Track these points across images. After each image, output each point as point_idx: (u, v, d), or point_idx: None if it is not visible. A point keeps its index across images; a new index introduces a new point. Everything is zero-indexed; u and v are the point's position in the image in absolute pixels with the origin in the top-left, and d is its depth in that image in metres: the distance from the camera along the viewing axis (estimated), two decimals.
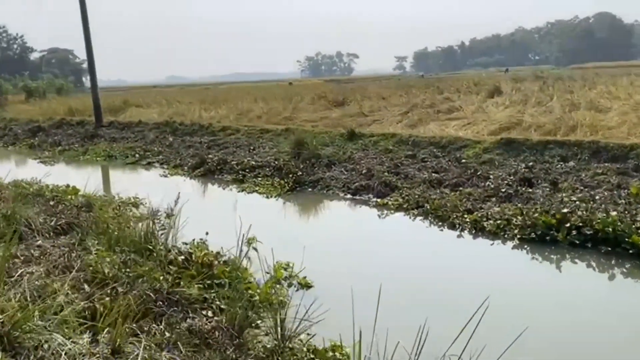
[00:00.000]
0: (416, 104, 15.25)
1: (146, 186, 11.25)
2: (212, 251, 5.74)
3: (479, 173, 8.98)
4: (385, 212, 8.55)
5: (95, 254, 5.17)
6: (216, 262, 5.39)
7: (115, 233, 6.14)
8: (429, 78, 56.78)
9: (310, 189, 10.29)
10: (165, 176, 12.66)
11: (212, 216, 8.64)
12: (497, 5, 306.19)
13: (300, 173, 10.62)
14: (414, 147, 10.90)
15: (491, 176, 8.81)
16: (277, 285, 5.62)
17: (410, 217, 8.20)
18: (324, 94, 21.23)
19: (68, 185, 10.22)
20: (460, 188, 8.67)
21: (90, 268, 5.08)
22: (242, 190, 10.61)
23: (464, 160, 9.57)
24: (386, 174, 9.64)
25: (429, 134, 11.31)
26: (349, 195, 9.59)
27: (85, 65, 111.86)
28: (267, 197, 9.95)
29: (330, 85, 45.70)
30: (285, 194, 10.09)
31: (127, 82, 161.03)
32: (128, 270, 4.90)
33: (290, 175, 10.59)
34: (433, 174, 9.40)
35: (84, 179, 13.01)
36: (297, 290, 5.65)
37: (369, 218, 8.43)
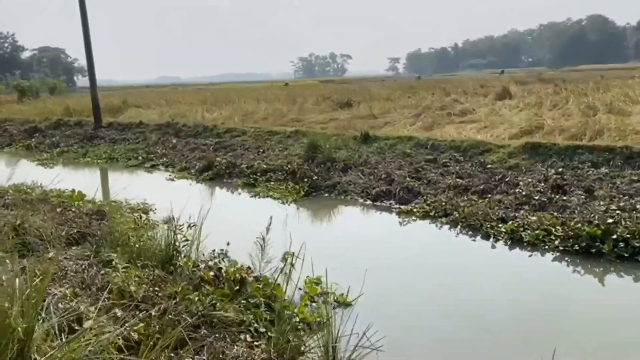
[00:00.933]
0: (428, 106, 14.89)
1: (153, 190, 10.84)
2: (243, 266, 5.29)
3: (507, 179, 8.61)
4: (410, 219, 8.16)
5: (123, 270, 4.70)
6: (250, 279, 4.96)
7: (137, 245, 5.70)
8: (426, 79, 56.57)
9: (326, 194, 9.89)
10: (172, 180, 12.19)
11: (228, 223, 8.20)
12: (490, 7, 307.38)
13: (316, 177, 10.21)
14: (433, 150, 10.52)
15: (520, 182, 8.45)
16: (313, 304, 5.22)
17: (437, 226, 7.81)
18: (328, 95, 20.83)
19: (73, 190, 9.74)
20: (489, 195, 8.29)
21: (116, 286, 4.65)
22: (255, 195, 10.18)
23: (489, 166, 9.20)
24: (408, 179, 9.25)
25: (447, 138, 10.93)
26: (368, 202, 9.19)
27: (76, 65, 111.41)
28: (283, 203, 9.52)
29: (326, 85, 45.34)
30: (301, 199, 9.69)
31: (117, 81, 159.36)
32: (157, 289, 4.47)
33: (306, 180, 10.18)
34: (457, 180, 9.03)
35: (86, 182, 12.61)
36: (335, 308, 5.24)
37: (393, 226, 8.02)
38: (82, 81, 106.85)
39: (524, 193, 7.96)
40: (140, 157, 14.58)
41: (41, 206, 7.99)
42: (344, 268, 5.69)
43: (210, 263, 5.42)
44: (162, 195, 10.17)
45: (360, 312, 4.80)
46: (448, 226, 7.69)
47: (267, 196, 10.03)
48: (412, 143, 10.99)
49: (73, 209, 8.26)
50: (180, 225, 6.21)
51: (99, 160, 15.05)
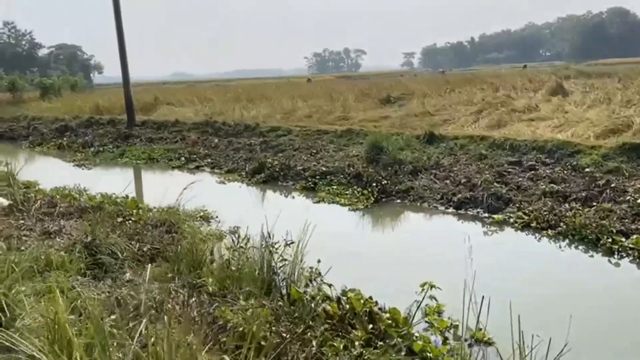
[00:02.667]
0: (488, 103, 13.96)
1: (206, 195, 10.05)
2: (370, 298, 4.46)
3: (612, 185, 7.71)
4: (506, 231, 7.32)
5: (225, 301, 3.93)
6: (383, 315, 4.15)
7: (232, 268, 4.92)
8: (450, 74, 55.23)
9: (398, 200, 9.05)
10: (223, 182, 11.43)
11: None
12: (507, 1, 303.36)
13: (385, 181, 9.39)
14: (513, 151, 9.63)
15: (629, 189, 7.54)
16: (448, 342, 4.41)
17: (538, 238, 6.95)
18: (366, 91, 19.97)
19: (127, 196, 9.01)
20: (594, 203, 7.41)
21: (226, 322, 3.89)
22: (320, 201, 9.37)
23: (587, 169, 8.29)
24: (495, 184, 8.39)
25: (523, 137, 10.03)
26: (450, 209, 8.33)
27: (92, 62, 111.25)
28: (354, 210, 8.71)
29: (347, 81, 44.36)
30: (371, 205, 8.88)
31: (132, 78, 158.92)
32: (283, 330, 3.69)
33: (374, 184, 9.35)
34: (551, 185, 8.15)
35: (131, 185, 11.91)
36: (471, 346, 4.42)
37: (491, 239, 7.16)
38: (98, 78, 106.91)
39: (639, 202, 7.07)
40: (182, 158, 13.85)
41: (99, 215, 7.26)
42: (452, 290, 4.86)
43: (328, 292, 4.60)
44: (218, 200, 9.46)
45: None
46: (555, 239, 6.84)
47: (333, 202, 9.22)
48: (486, 143, 10.12)
49: (132, 218, 7.54)
50: (276, 243, 5.43)
51: (137, 161, 14.36)
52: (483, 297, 3.17)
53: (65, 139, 18.19)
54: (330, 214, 8.68)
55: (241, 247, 5.36)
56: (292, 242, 5.26)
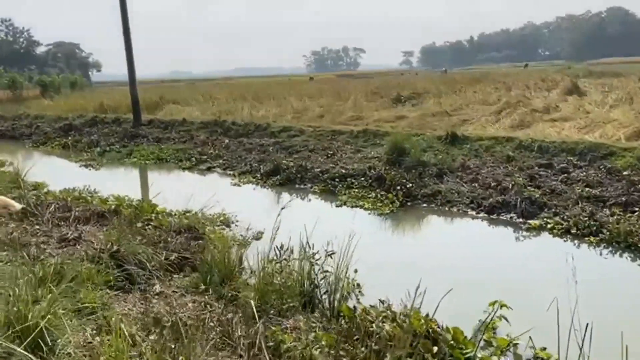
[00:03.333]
0: (508, 102, 13.63)
1: (222, 197, 9.64)
2: (429, 315, 4.12)
3: None
4: (545, 238, 6.99)
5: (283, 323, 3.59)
6: (446, 336, 3.81)
7: (276, 282, 4.57)
8: (453, 73, 54.95)
9: (424, 205, 8.70)
10: (237, 185, 11.07)
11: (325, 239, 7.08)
12: (505, 0, 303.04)
13: (410, 185, 9.05)
14: (541, 153, 9.31)
15: None
16: None
17: (577, 245, 6.63)
18: (375, 90, 19.64)
19: (142, 199, 8.64)
20: (636, 209, 7.09)
21: (278, 343, 3.55)
22: (342, 205, 9.02)
23: (625, 173, 7.98)
24: (528, 188, 8.06)
25: (551, 138, 9.72)
26: (482, 214, 7.99)
27: (91, 59, 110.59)
28: (379, 215, 8.37)
29: (349, 80, 44.05)
30: (397, 210, 8.54)
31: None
32: (343, 354, 3.34)
33: (399, 187, 9.01)
34: (586, 189, 7.83)
35: (141, 186, 11.54)
36: None
37: (531, 247, 6.84)
38: (96, 76, 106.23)
39: None
40: (193, 158, 13.49)
41: (119, 221, 6.90)
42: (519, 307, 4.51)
43: (383, 311, 4.24)
44: (235, 203, 9.08)
45: None
46: (596, 246, 6.52)
47: (356, 206, 8.87)
48: (512, 145, 9.79)
49: (152, 223, 7.18)
50: (315, 253, 5.07)
51: (146, 161, 13.97)
52: (587, 324, 2.81)
53: (69, 138, 17.77)
54: (356, 219, 8.33)
55: (284, 259, 4.98)
56: (333, 253, 4.90)
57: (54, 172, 12.92)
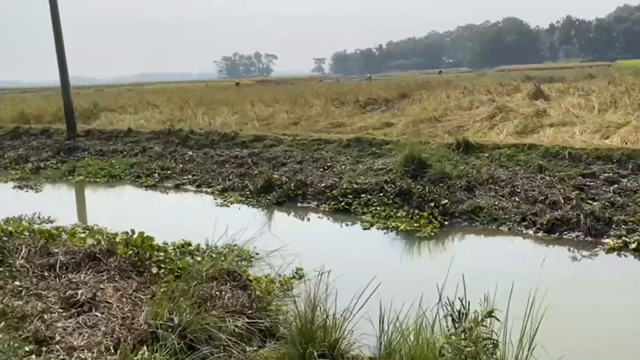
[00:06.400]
0: (498, 108, 13.01)
1: (210, 221, 7.59)
2: None
3: None
4: (631, 261, 6.19)
5: None
6: None
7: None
8: (374, 79, 55.15)
9: (465, 223, 7.63)
10: (225, 205, 9.42)
11: (369, 275, 5.81)
12: (412, 10, 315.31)
13: (445, 201, 7.98)
14: (574, 162, 8.62)
15: None
16: None
17: None
18: (335, 96, 18.55)
19: (132, 232, 6.77)
20: None
21: None
22: (370, 226, 7.76)
23: None
24: (588, 202, 7.26)
25: (580, 145, 9.10)
26: (540, 233, 7.06)
27: None
28: (419, 237, 7.20)
29: (270, 86, 42.83)
30: (438, 230, 7.44)
31: (21, 82, 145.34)
32: None
33: (432, 204, 7.91)
34: None
35: (109, 211, 9.41)
36: None
37: (622, 272, 6.00)
38: None
39: None
40: (155, 174, 11.59)
41: (155, 276, 5.20)
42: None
43: None
44: (234, 229, 7.24)
45: None
46: None
47: (386, 227, 7.65)
48: (538, 152, 9.05)
49: (168, 267, 5.49)
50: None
51: (96, 179, 11.85)
52: None
53: None
54: (400, 246, 7.13)
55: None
56: (492, 313, 3.64)
57: None
